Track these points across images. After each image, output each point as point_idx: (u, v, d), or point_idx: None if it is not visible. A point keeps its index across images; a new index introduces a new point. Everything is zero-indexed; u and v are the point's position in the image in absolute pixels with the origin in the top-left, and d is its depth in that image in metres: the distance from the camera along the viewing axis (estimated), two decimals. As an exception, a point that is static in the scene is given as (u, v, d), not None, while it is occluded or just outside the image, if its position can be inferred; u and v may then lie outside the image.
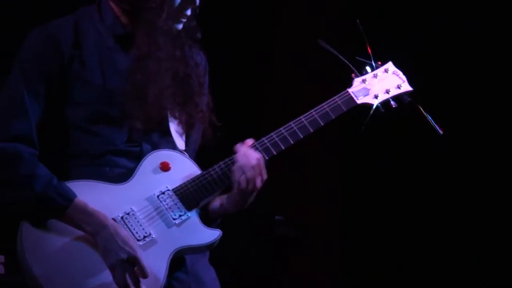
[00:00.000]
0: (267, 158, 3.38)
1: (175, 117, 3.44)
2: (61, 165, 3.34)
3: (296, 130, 3.40)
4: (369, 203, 5.94)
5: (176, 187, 3.33)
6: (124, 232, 3.22)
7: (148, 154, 3.35)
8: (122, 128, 3.35)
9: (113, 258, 3.18)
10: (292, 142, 3.40)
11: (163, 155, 3.37)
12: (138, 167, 3.33)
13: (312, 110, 3.43)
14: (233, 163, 3.33)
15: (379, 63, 3.52)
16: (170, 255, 3.26)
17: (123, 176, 3.32)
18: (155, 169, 3.34)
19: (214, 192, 3.36)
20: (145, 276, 3.18)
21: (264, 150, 3.38)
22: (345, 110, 3.44)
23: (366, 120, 3.45)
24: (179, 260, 3.33)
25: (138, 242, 3.24)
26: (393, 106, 3.50)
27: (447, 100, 5.44)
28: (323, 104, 3.44)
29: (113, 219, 3.25)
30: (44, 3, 4.97)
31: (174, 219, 3.29)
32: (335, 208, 6.09)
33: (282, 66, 6.04)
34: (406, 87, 3.51)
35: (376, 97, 3.48)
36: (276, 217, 5.34)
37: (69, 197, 3.23)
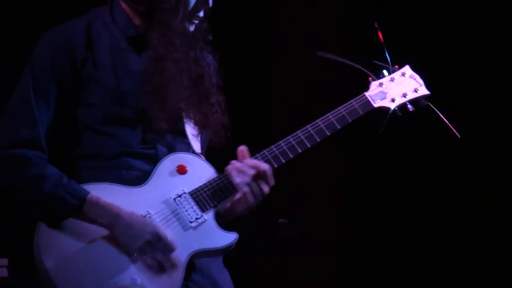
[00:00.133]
0: (284, 161, 3.38)
1: (189, 118, 3.43)
2: (72, 166, 3.33)
3: (313, 133, 3.40)
4: (371, 205, 5.95)
5: (193, 190, 3.31)
6: (139, 217, 3.21)
7: (165, 157, 3.33)
8: (135, 129, 3.35)
9: (138, 243, 3.17)
10: (309, 145, 3.40)
11: (179, 158, 3.36)
12: (154, 170, 3.32)
13: (328, 114, 3.42)
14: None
15: (396, 66, 3.52)
16: (187, 258, 3.24)
17: (139, 179, 3.31)
18: (171, 172, 3.33)
19: (230, 195, 3.34)
20: (173, 249, 3.19)
21: (281, 154, 3.37)
22: (361, 113, 3.44)
23: (384, 124, 3.45)
24: (195, 263, 3.31)
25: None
26: (410, 109, 3.50)
27: (461, 102, 5.45)
28: (339, 107, 3.44)
29: None
30: (55, 5, 4.97)
31: (191, 222, 3.28)
32: (336, 210, 6.10)
33: (287, 69, 6.05)
34: (424, 90, 3.51)
35: (393, 100, 3.48)
36: (280, 220, 5.34)
37: (81, 195, 3.21)
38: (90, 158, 3.34)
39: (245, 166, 3.32)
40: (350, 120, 3.42)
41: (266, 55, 5.92)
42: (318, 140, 3.41)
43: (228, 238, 3.30)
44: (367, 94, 3.47)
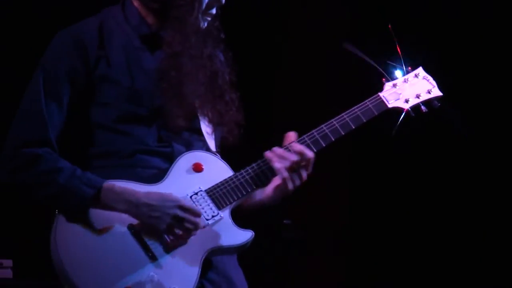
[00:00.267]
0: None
1: (204, 116, 3.44)
2: (85, 166, 3.32)
3: (328, 133, 3.42)
4: (376, 207, 5.96)
5: (209, 188, 3.33)
6: (156, 194, 3.23)
7: (181, 155, 3.35)
8: (151, 128, 3.35)
9: (165, 220, 3.19)
10: (324, 145, 3.43)
11: (196, 156, 3.37)
12: (171, 168, 3.33)
13: (343, 114, 3.45)
14: (265, 165, 3.37)
15: (409, 68, 3.55)
16: (203, 255, 3.26)
17: (155, 176, 3.32)
18: (188, 170, 3.34)
19: (246, 194, 3.36)
20: (199, 213, 3.22)
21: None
22: (376, 114, 3.47)
23: (397, 124, 3.48)
24: (211, 261, 3.32)
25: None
26: (424, 110, 3.54)
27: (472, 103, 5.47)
28: (354, 107, 3.46)
29: None
30: (66, 5, 4.98)
31: (207, 219, 3.29)
32: (341, 211, 6.11)
33: (291, 66, 6.06)
34: (437, 92, 3.55)
35: (407, 101, 3.51)
36: (284, 221, 5.35)
37: (97, 184, 3.22)
38: (105, 157, 3.35)
39: (287, 152, 3.35)
40: (364, 120, 3.45)
41: (274, 56, 5.93)
42: (333, 139, 3.44)
43: (244, 235, 3.32)
44: (381, 94, 3.50)
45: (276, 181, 3.40)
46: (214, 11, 3.44)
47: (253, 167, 3.38)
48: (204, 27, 3.43)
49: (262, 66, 5.70)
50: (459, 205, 5.77)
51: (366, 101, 3.48)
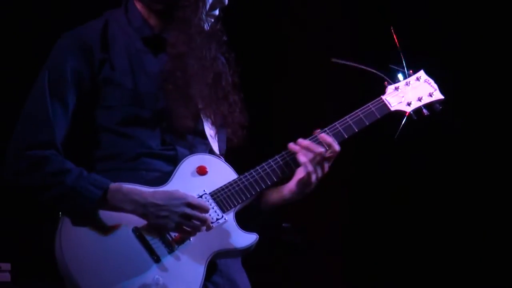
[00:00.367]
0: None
1: (207, 117, 3.44)
2: (90, 169, 3.31)
3: (332, 135, 3.44)
4: (374, 210, 5.97)
5: (213, 191, 3.34)
6: (162, 193, 3.23)
7: (185, 158, 3.35)
8: (154, 130, 3.36)
9: (174, 219, 3.19)
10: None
11: (199, 159, 3.38)
12: (175, 171, 3.33)
13: (346, 116, 3.46)
14: (272, 166, 3.38)
15: (411, 71, 3.57)
16: (208, 258, 3.26)
17: (159, 179, 3.32)
18: (192, 173, 3.35)
19: (250, 196, 3.37)
20: (207, 209, 3.23)
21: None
22: (379, 116, 3.49)
23: (400, 127, 3.50)
24: (215, 264, 3.33)
25: (176, 245, 3.25)
26: (425, 113, 3.56)
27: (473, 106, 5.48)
28: (357, 110, 3.48)
29: None
30: (70, 8, 4.97)
31: (212, 222, 3.29)
32: (340, 215, 6.12)
33: (292, 68, 6.06)
34: (438, 95, 3.57)
35: (409, 104, 3.53)
36: (283, 225, 5.35)
37: (103, 185, 3.21)
38: (109, 159, 3.35)
39: (313, 144, 3.38)
40: (367, 123, 3.47)
41: (274, 56, 5.93)
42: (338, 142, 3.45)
43: (249, 239, 3.33)
44: (383, 97, 3.52)
45: (299, 175, 3.41)
46: (217, 12, 3.45)
47: (257, 170, 3.38)
48: (207, 28, 3.43)
49: (262, 66, 5.69)
50: (459, 206, 5.77)
51: (369, 104, 3.50)
